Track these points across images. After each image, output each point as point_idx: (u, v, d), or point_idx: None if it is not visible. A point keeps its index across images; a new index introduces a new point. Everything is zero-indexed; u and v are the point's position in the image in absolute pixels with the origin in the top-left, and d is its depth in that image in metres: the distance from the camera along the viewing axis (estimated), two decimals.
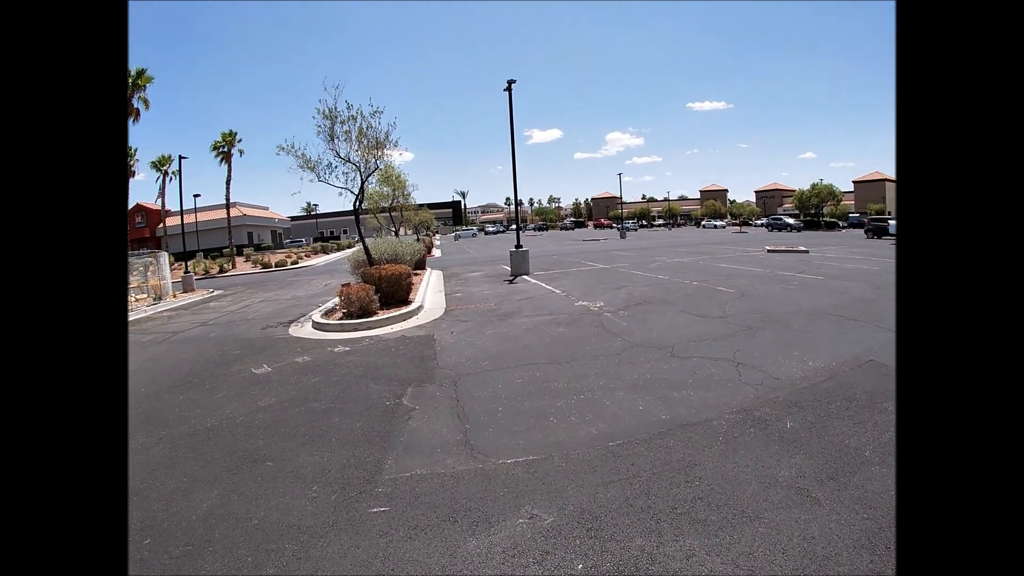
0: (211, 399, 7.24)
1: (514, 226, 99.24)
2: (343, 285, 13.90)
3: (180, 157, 29.68)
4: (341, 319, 11.79)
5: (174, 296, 23.57)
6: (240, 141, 46.35)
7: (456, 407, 6.16)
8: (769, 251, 27.22)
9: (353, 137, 14.17)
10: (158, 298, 22.57)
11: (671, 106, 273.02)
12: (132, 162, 47.30)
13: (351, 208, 15.55)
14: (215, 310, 17.86)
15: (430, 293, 15.82)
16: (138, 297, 23.26)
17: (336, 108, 13.92)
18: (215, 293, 24.43)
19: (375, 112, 14.15)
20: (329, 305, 14.81)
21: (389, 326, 11.33)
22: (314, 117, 14.03)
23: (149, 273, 23.36)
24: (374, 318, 11.53)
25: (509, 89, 21.85)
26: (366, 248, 15.09)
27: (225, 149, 45.96)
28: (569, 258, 28.92)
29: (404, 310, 12.22)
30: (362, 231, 15.49)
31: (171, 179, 50.32)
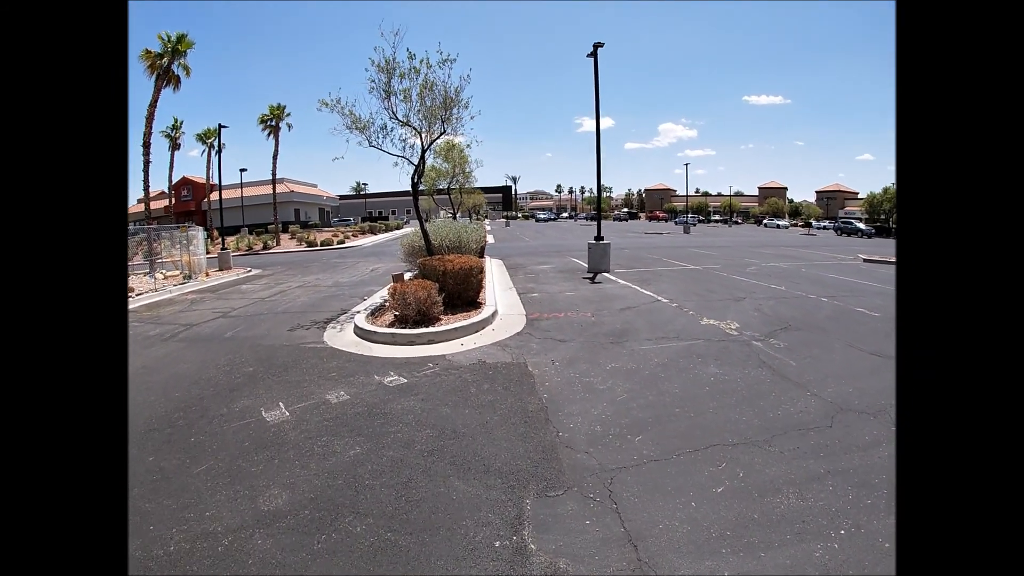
0: (186, 478, 4.34)
1: (565, 214, 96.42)
2: (395, 278, 10.91)
3: (220, 126, 27.44)
4: (392, 325, 8.79)
5: (206, 275, 21.21)
6: (289, 115, 44.15)
7: (640, 566, 3.01)
8: (865, 260, 23.14)
9: (414, 95, 11.11)
10: (188, 276, 20.19)
11: (727, 98, 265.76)
12: (178, 134, 45.93)
13: (407, 184, 12.57)
14: (244, 295, 15.20)
15: (499, 291, 12.70)
16: (168, 274, 21.07)
17: (395, 58, 10.89)
18: (251, 273, 21.98)
19: (445, 60, 11.04)
20: (376, 300, 11.85)
21: (457, 340, 8.25)
22: (367, 70, 11.02)
23: (176, 249, 21.03)
24: (436, 328, 8.47)
25: (595, 54, 18.40)
26: (425, 233, 12.06)
27: (273, 123, 43.84)
28: (642, 253, 25.43)
29: (475, 317, 9.12)
30: (420, 211, 12.41)
31: (217, 153, 48.84)
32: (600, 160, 18.02)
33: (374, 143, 11.22)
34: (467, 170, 23.53)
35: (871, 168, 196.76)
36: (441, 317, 9.01)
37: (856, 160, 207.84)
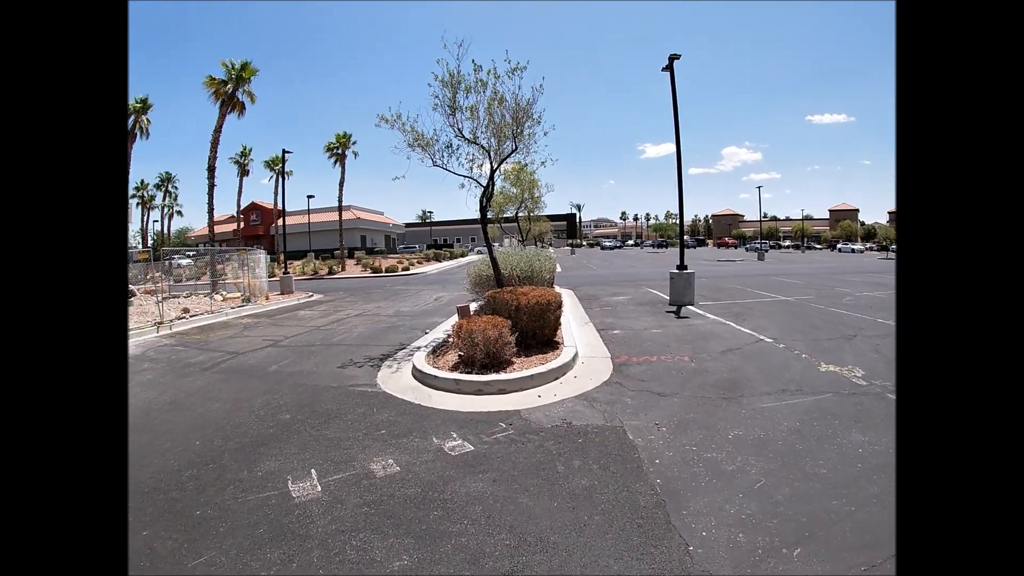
0: (177, 571, 3.07)
1: (631, 242, 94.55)
2: (460, 311, 9.62)
3: (284, 151, 27.29)
4: (456, 368, 7.45)
5: (266, 298, 20.74)
6: (355, 143, 44.80)
7: None
8: None
9: (481, 111, 9.93)
10: (247, 299, 19.71)
11: (790, 119, 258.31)
12: (246, 161, 47.45)
13: (473, 210, 11.37)
14: (300, 322, 14.34)
15: (575, 327, 11.21)
16: (228, 296, 20.73)
17: (459, 71, 9.76)
18: (312, 298, 21.38)
19: (514, 70, 9.81)
20: (440, 334, 10.59)
21: (534, 390, 6.82)
22: (430, 85, 9.93)
23: (242, 271, 20.70)
24: (508, 374, 7.06)
25: (671, 67, 16.89)
26: (495, 262, 10.73)
27: (339, 151, 44.55)
28: (722, 282, 23.30)
29: (553, 361, 7.66)
30: (489, 237, 11.14)
31: (281, 177, 50.19)
32: (682, 178, 16.39)
33: (439, 162, 10.07)
34: (536, 195, 22.25)
35: None
36: (513, 360, 7.61)
37: None
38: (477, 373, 7.06)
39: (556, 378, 7.29)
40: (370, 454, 4.97)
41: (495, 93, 9.62)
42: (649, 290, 20.18)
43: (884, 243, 73.83)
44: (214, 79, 27.31)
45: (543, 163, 10.43)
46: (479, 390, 6.69)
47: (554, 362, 7.57)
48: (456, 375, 7.01)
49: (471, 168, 10.31)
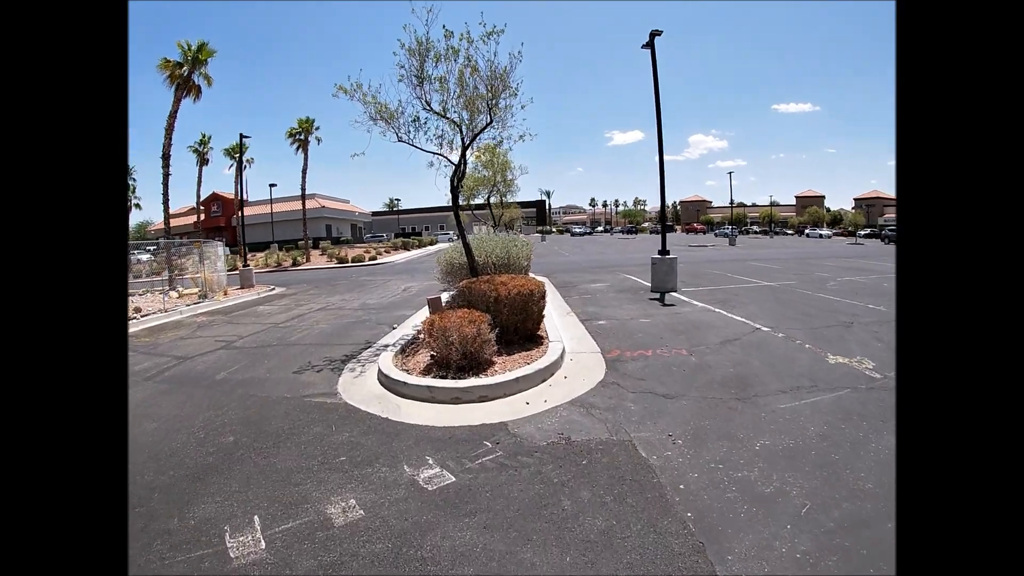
0: None
1: (600, 228, 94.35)
2: (431, 304, 8.64)
3: (241, 136, 25.65)
4: (429, 371, 6.49)
5: (224, 293, 19.41)
6: (318, 128, 42.97)
7: None
8: None
9: (452, 83, 8.90)
10: (204, 295, 18.36)
11: (756, 108, 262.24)
12: (205, 149, 45.23)
13: (441, 196, 10.35)
14: (259, 319, 13.19)
15: (557, 318, 10.32)
16: (184, 292, 19.34)
17: (428, 37, 8.70)
18: (273, 292, 20.12)
19: (490, 34, 8.79)
20: (409, 330, 9.60)
21: (520, 395, 5.92)
22: (395, 54, 8.85)
23: (202, 265, 19.35)
24: (489, 378, 6.14)
25: (651, 43, 15.99)
26: (468, 249, 9.73)
27: (302, 136, 42.71)
28: (701, 268, 22.70)
29: (539, 361, 6.76)
30: (461, 221, 10.14)
31: (246, 167, 48.22)
32: (663, 160, 15.57)
33: (404, 137, 9.03)
34: (508, 177, 21.17)
35: None
36: (494, 360, 6.68)
37: (889, 165, 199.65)
38: (453, 377, 6.11)
39: (544, 380, 6.39)
40: (327, 491, 4.00)
41: (468, 60, 8.60)
42: (627, 276, 19.45)
43: (850, 229, 74.65)
44: (169, 61, 25.51)
45: (521, 137, 9.46)
46: (456, 398, 5.75)
47: (540, 361, 6.67)
48: (429, 381, 6.05)
49: (440, 145, 9.28)
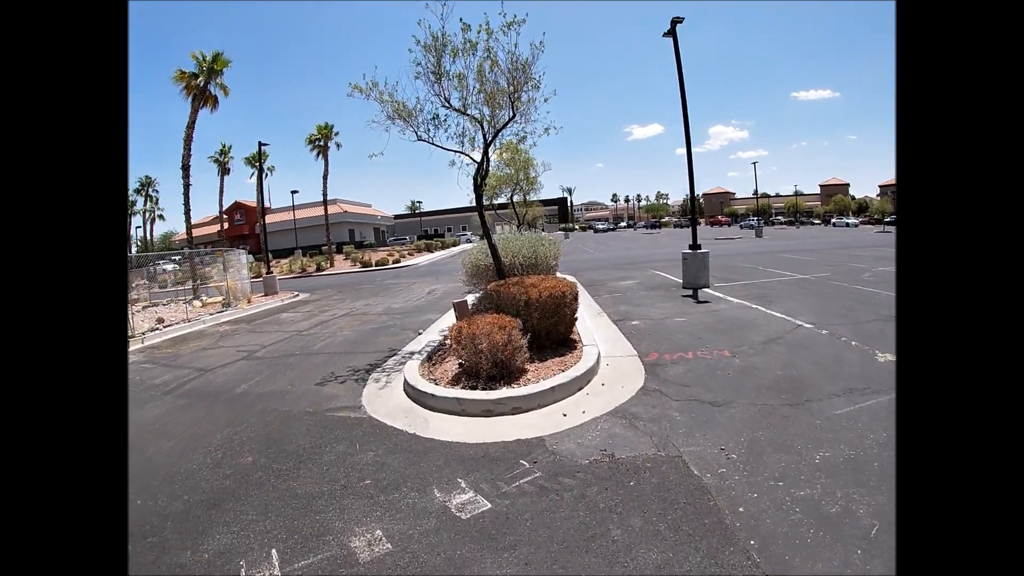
0: None
1: (623, 223, 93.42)
2: (457, 308, 8.28)
3: (260, 144, 25.51)
4: (458, 381, 6.13)
5: (248, 301, 19.33)
6: (337, 134, 43.07)
7: None
8: None
9: (471, 79, 8.53)
10: (227, 304, 18.29)
11: (775, 96, 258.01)
12: (226, 159, 45.71)
13: (464, 195, 10.00)
14: (281, 327, 13.00)
15: (588, 319, 9.87)
16: (208, 301, 19.31)
17: (444, 31, 8.34)
18: (297, 298, 19.99)
19: (510, 24, 8.39)
20: (435, 335, 9.25)
21: (556, 405, 5.53)
22: (411, 51, 8.52)
23: (227, 274, 19.31)
24: (522, 389, 5.75)
25: (673, 31, 15.38)
26: (494, 250, 9.34)
27: (321, 143, 42.85)
28: (730, 261, 22.03)
29: (574, 368, 6.35)
30: (486, 220, 9.76)
31: (267, 175, 48.72)
32: (691, 153, 15.01)
33: (423, 136, 8.68)
34: (531, 175, 20.70)
35: None
36: (527, 367, 6.28)
37: None
38: (484, 388, 5.73)
39: (581, 387, 5.98)
40: (351, 520, 3.65)
41: (488, 52, 8.22)
42: (656, 272, 18.91)
43: (877, 216, 72.54)
44: (184, 72, 25.57)
45: (547, 130, 9.03)
46: (488, 410, 5.37)
47: (576, 368, 6.25)
48: (458, 392, 5.68)
49: (462, 143, 8.91)
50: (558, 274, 11.67)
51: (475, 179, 8.99)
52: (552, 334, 7.13)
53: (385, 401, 6.09)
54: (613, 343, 8.09)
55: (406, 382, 6.29)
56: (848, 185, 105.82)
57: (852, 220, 71.57)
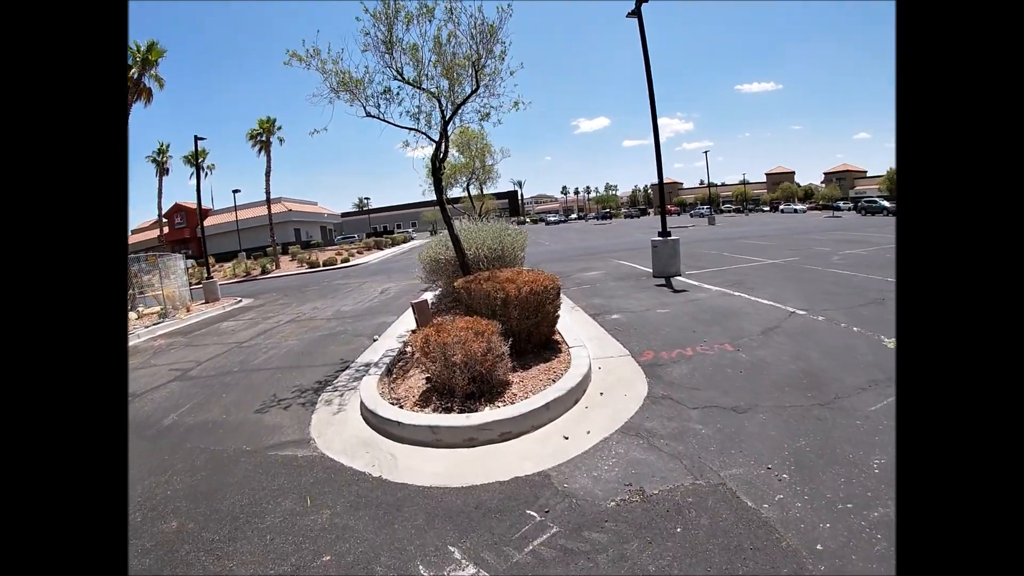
0: None
1: (574, 215, 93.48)
2: (416, 311, 7.22)
3: (196, 138, 23.53)
4: (427, 400, 5.07)
5: (187, 310, 17.72)
6: (280, 128, 40.91)
7: None
8: None
9: (427, 48, 7.46)
10: (164, 314, 16.61)
11: (719, 89, 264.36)
12: (164, 159, 43.02)
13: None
14: (221, 338, 11.63)
15: (566, 315, 8.92)
16: (145, 311, 17.58)
17: None
18: (239, 304, 18.45)
19: None
20: (393, 342, 8.13)
21: (552, 425, 4.56)
22: (358, 19, 7.40)
23: (168, 280, 17.63)
24: (508, 408, 4.75)
25: (638, 11, 14.58)
26: (456, 241, 8.28)
27: (263, 137, 40.66)
28: (693, 248, 21.45)
29: (566, 377, 5.40)
30: (446, 206, 8.68)
31: (206, 174, 46.09)
32: (658, 136, 14.26)
33: (373, 111, 7.55)
34: (488, 163, 19.53)
35: (870, 146, 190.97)
36: (510, 378, 5.27)
37: (854, 139, 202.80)
38: (462, 408, 4.71)
39: (576, 400, 5.03)
40: None
41: (450, 14, 7.15)
42: (621, 262, 18.19)
43: (823, 203, 74.79)
44: None
45: (516, 104, 8.01)
46: (471, 439, 4.35)
47: (569, 377, 5.29)
48: (431, 418, 4.63)
49: (418, 120, 7.81)
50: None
51: (433, 161, 7.92)
52: (533, 336, 6.14)
53: (339, 431, 4.99)
54: (598, 342, 7.17)
55: (363, 405, 5.19)
56: (794, 173, 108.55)
57: (800, 206, 73.15)
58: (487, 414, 4.52)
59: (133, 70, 23.56)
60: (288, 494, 3.93)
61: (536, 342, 6.27)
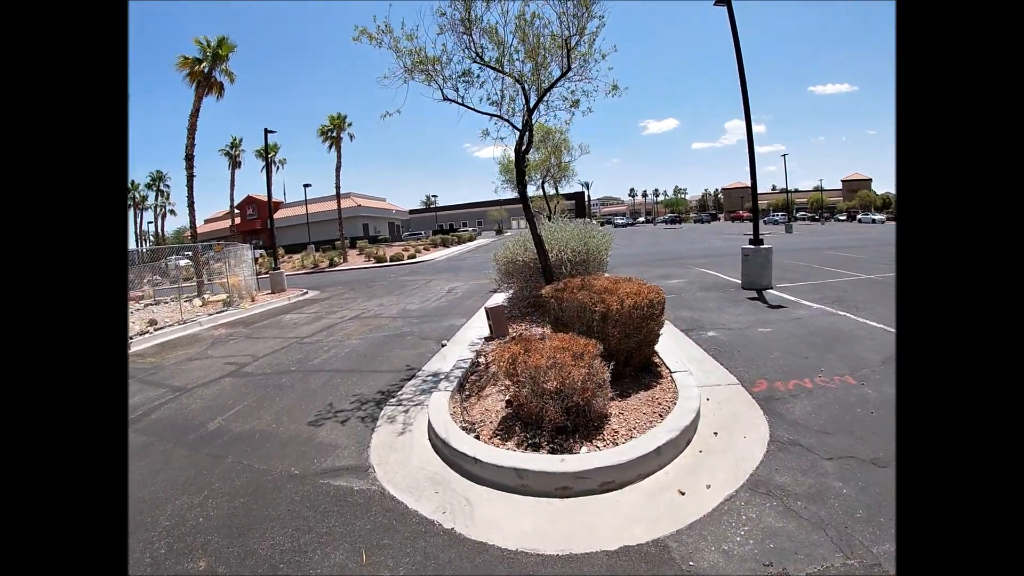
0: None
1: (641, 219, 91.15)
2: (491, 317, 6.44)
3: (266, 132, 23.69)
4: (508, 430, 4.24)
5: (252, 299, 17.68)
6: (350, 125, 41.23)
7: None
8: None
9: (508, 27, 6.71)
10: (228, 302, 16.58)
11: (791, 90, 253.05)
12: (237, 152, 44.33)
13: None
14: (282, 331, 11.26)
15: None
16: (210, 299, 17.69)
17: None
18: (304, 296, 18.31)
19: None
20: (464, 349, 7.37)
21: (661, 474, 3.64)
22: None
23: (226, 270, 17.70)
24: (610, 450, 3.86)
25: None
26: (539, 242, 7.45)
27: (334, 133, 41.04)
28: (779, 259, 19.68)
29: (676, 413, 4.48)
30: (529, 204, 7.86)
31: (277, 168, 47.30)
32: (751, 130, 12.99)
33: (451, 95, 6.83)
34: (564, 161, 18.56)
35: None
36: (608, 411, 4.38)
37: None
38: (551, 446, 3.88)
39: (688, 440, 4.09)
40: None
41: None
42: (702, 270, 16.95)
43: None
44: (187, 58, 23.83)
45: (614, 88, 7.11)
46: (564, 487, 3.50)
47: (678, 413, 4.36)
48: (515, 457, 3.80)
49: (500, 107, 7.05)
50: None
51: (517, 150, 7.13)
52: (633, 358, 5.22)
53: (404, 459, 4.24)
54: (699, 364, 6.18)
55: (433, 430, 4.42)
56: (871, 180, 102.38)
57: (879, 216, 68.31)
58: (585, 458, 3.65)
59: (204, 64, 23.89)
60: (340, 543, 3.20)
61: (635, 365, 5.34)
